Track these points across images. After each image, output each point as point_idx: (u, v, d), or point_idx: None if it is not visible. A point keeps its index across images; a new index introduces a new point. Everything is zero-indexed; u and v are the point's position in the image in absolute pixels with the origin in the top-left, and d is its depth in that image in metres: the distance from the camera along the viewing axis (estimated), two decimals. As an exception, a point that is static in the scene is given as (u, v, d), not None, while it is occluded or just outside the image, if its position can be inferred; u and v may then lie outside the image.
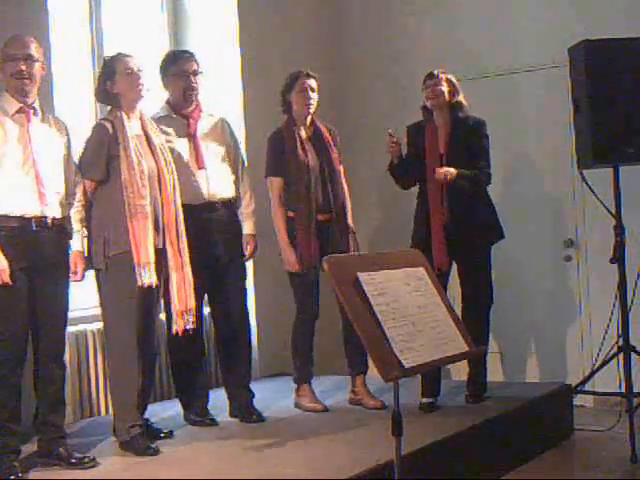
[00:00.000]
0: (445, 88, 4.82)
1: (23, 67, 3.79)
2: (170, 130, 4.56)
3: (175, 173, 4.24)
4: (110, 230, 4.04)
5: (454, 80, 4.88)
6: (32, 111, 3.85)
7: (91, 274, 4.18)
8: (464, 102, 4.89)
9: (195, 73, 4.61)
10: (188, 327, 4.21)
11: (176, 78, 4.59)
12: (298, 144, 4.78)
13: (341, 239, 4.83)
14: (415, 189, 4.99)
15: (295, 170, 4.75)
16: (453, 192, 4.73)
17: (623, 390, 4.81)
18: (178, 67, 4.60)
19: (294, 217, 4.75)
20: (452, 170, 4.70)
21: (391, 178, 4.99)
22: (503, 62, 6.11)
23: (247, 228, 4.75)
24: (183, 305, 4.18)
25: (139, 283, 3.99)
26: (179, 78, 4.58)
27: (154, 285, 4.05)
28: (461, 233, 4.76)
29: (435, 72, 4.84)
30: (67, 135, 4.01)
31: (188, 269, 4.20)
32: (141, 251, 3.99)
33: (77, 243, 4.01)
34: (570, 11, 5.85)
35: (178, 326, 4.20)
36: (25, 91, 3.82)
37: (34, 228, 3.76)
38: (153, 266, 4.03)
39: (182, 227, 4.20)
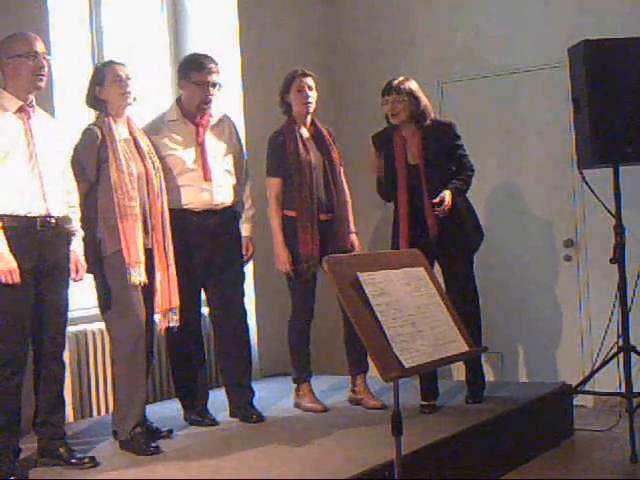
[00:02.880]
0: (406, 103, 4.65)
1: (45, 65, 3.82)
2: (179, 138, 4.54)
3: (162, 176, 4.28)
4: (103, 231, 4.09)
5: (414, 88, 4.69)
6: (32, 109, 3.85)
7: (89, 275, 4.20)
8: (428, 108, 4.74)
9: (215, 85, 4.57)
10: (172, 325, 4.25)
11: (195, 87, 4.54)
12: (300, 143, 4.78)
13: (343, 238, 4.83)
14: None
15: (297, 169, 4.74)
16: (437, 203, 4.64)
17: (623, 390, 4.81)
18: (200, 77, 4.53)
19: (295, 216, 4.75)
20: (446, 197, 4.58)
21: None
22: (503, 62, 6.11)
23: (245, 231, 4.76)
24: (167, 304, 4.22)
25: (129, 282, 4.03)
26: (198, 88, 4.53)
27: (143, 283, 4.08)
28: (448, 241, 4.69)
29: (393, 85, 4.67)
30: (62, 133, 4.02)
31: (173, 269, 4.24)
32: (131, 251, 4.04)
33: (76, 242, 4.02)
34: (570, 11, 5.85)
35: (161, 324, 4.25)
36: (40, 88, 3.84)
37: (39, 228, 3.76)
38: (143, 265, 4.08)
39: (168, 228, 4.25)
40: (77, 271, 3.98)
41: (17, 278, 3.64)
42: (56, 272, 3.86)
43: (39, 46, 3.82)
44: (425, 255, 3.55)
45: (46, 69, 3.84)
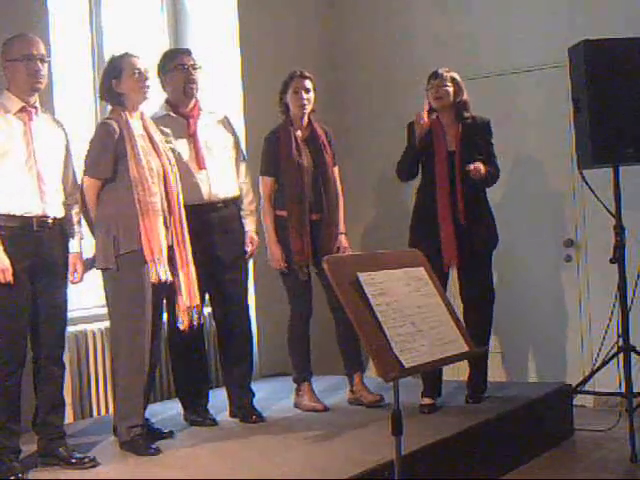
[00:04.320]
0: (450, 88, 4.80)
1: (41, 67, 3.81)
2: (169, 130, 4.55)
3: (177, 171, 4.24)
4: (119, 229, 4.02)
5: (458, 78, 4.86)
6: (34, 110, 3.85)
7: (90, 275, 4.18)
8: (468, 101, 4.88)
9: (194, 67, 4.62)
10: (194, 323, 4.20)
11: (175, 73, 4.59)
12: (293, 145, 4.79)
13: (330, 239, 4.83)
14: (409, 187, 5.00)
15: (289, 170, 4.77)
16: (466, 194, 4.74)
17: (623, 390, 4.81)
18: (176, 61, 4.60)
19: (286, 216, 4.76)
20: (481, 166, 4.71)
21: (389, 172, 4.99)
22: (503, 62, 6.11)
23: (249, 226, 4.75)
24: (189, 301, 4.17)
25: (153, 279, 3.97)
26: (178, 72, 4.58)
27: (168, 281, 4.04)
28: (468, 236, 4.76)
29: (440, 71, 4.82)
30: (66, 135, 4.01)
31: (192, 266, 4.19)
32: (154, 248, 3.98)
33: (76, 244, 4.00)
34: (570, 11, 5.85)
35: (184, 323, 4.18)
36: (38, 90, 3.83)
37: (35, 228, 3.76)
38: (166, 262, 4.03)
39: (185, 224, 4.20)
40: (75, 273, 3.97)
41: (9, 277, 3.64)
42: (53, 272, 3.85)
43: (36, 49, 3.81)
44: None
45: (43, 72, 3.82)
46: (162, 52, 4.91)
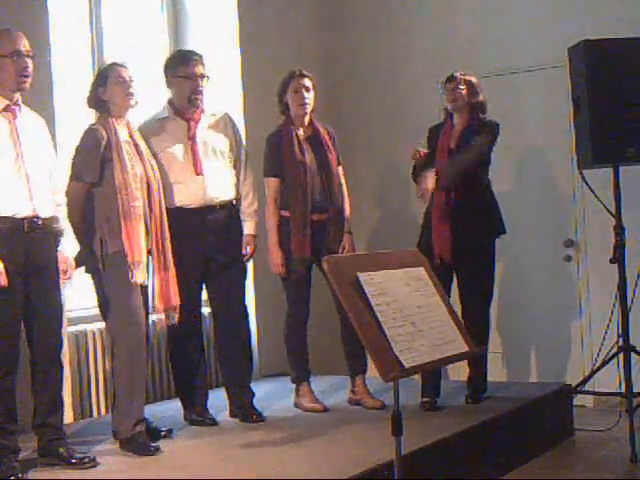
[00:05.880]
0: (464, 91, 4.85)
1: (30, 64, 3.77)
2: (170, 133, 4.55)
3: (159, 179, 4.28)
4: (104, 230, 4.07)
5: (474, 81, 4.91)
6: (17, 108, 3.80)
7: (87, 275, 4.19)
8: (484, 102, 4.93)
9: (202, 77, 4.59)
10: (171, 323, 4.26)
11: (183, 81, 4.56)
12: (295, 144, 4.78)
13: (335, 239, 4.82)
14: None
15: (291, 170, 4.75)
16: (462, 191, 4.78)
17: (623, 390, 4.81)
18: (187, 70, 4.56)
19: (289, 216, 4.76)
20: (429, 181, 4.77)
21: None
22: (503, 62, 6.11)
23: (248, 228, 4.74)
24: (163, 304, 4.21)
25: (132, 281, 4.02)
26: (186, 81, 4.55)
27: (145, 283, 4.09)
28: (462, 231, 4.77)
29: (455, 75, 4.88)
30: (47, 131, 3.99)
31: (172, 270, 4.24)
32: (134, 250, 4.03)
33: (64, 243, 3.99)
34: (570, 11, 5.85)
35: (162, 323, 4.30)
36: (24, 89, 3.79)
37: (26, 229, 3.73)
38: (145, 265, 4.08)
39: (166, 230, 4.24)
40: (65, 271, 3.96)
41: (4, 280, 3.62)
42: (45, 273, 3.84)
43: (23, 45, 3.75)
44: None
45: (30, 68, 3.77)
46: (173, 52, 4.87)
